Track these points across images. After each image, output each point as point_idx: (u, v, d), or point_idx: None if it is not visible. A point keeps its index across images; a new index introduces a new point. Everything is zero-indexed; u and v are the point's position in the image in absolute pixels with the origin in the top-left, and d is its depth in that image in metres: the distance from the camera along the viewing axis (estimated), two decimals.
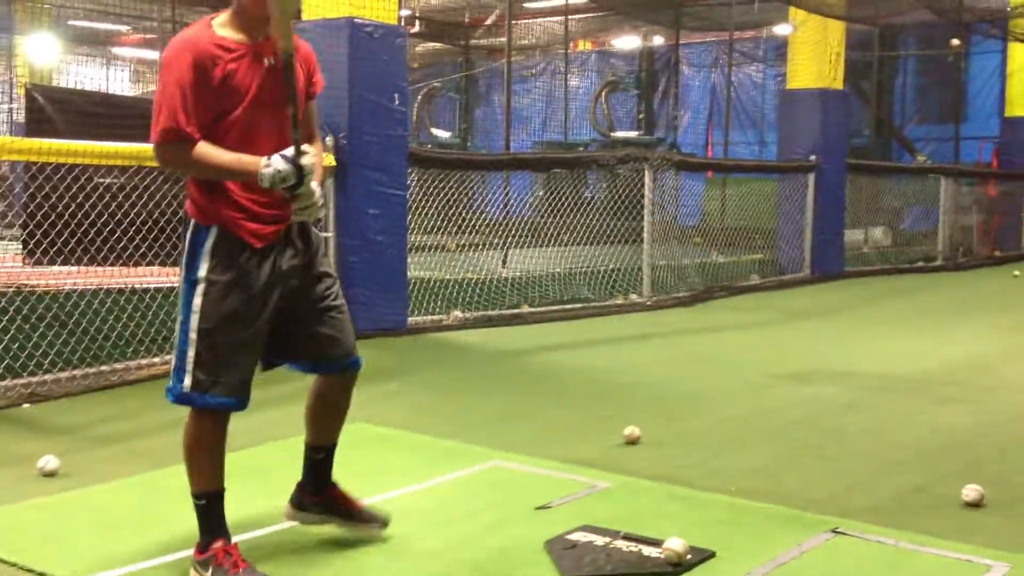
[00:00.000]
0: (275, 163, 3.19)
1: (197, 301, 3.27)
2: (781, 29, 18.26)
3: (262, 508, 3.98)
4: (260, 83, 3.28)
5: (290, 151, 3.23)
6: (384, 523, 3.73)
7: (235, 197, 3.28)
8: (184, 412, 3.43)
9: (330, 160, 7.49)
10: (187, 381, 3.28)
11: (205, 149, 3.20)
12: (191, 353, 3.28)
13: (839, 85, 13.69)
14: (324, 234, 7.31)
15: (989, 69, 20.23)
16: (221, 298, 3.26)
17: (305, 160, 3.22)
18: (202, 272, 3.27)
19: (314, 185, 3.26)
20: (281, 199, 3.31)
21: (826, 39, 13.40)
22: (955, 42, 17.93)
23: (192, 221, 3.33)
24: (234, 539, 3.38)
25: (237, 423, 5.45)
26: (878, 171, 16.30)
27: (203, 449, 3.35)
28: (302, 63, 3.46)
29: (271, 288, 3.33)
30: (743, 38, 21.99)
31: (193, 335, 3.27)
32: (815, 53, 13.44)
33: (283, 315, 3.41)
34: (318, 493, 3.71)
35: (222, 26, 3.30)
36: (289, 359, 3.60)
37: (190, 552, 3.45)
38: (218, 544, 3.29)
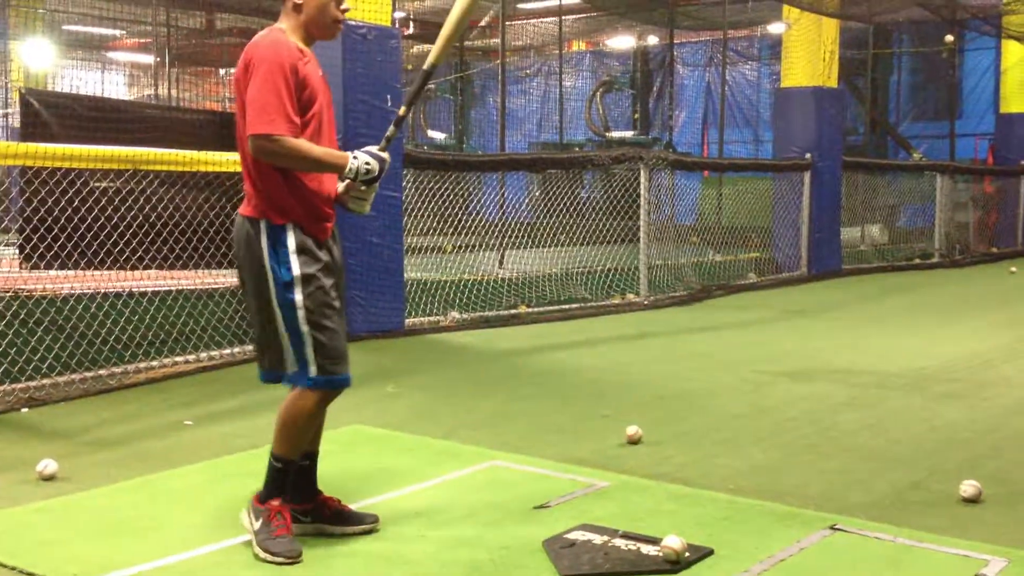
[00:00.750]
0: (361, 157, 3.53)
1: (299, 298, 3.50)
2: (775, 27, 18.28)
3: None
4: (323, 87, 3.62)
5: (376, 147, 3.59)
6: (374, 520, 3.81)
7: (307, 195, 3.55)
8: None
9: None
10: (312, 370, 3.53)
11: (301, 142, 3.46)
12: (309, 345, 3.50)
13: (834, 83, 13.72)
14: None
15: (983, 66, 20.28)
16: (318, 290, 3.52)
17: (387, 157, 3.59)
18: (296, 271, 3.50)
19: (377, 189, 3.63)
20: (332, 194, 3.65)
21: (820, 37, 13.42)
22: (949, 38, 17.95)
23: (263, 222, 3.52)
24: (233, 541, 3.41)
25: (238, 426, 5.47)
26: (874, 169, 16.33)
27: (308, 423, 3.59)
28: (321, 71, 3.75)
29: (339, 275, 3.66)
30: (737, 37, 22.02)
31: (305, 327, 3.50)
32: (809, 51, 13.46)
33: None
34: (308, 501, 3.75)
35: (291, 34, 3.58)
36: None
37: (191, 554, 3.46)
38: (276, 502, 3.53)
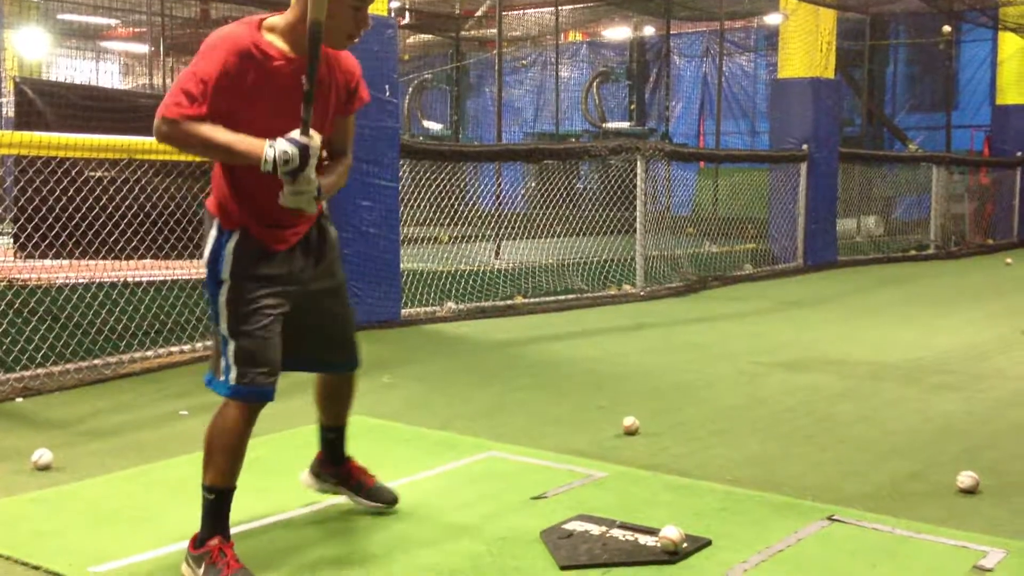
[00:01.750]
0: (279, 144, 3.10)
1: (222, 300, 3.30)
2: (772, 18, 18.28)
3: (257, 500, 3.97)
4: (287, 94, 3.21)
5: (296, 132, 3.12)
6: (391, 501, 3.88)
7: (258, 203, 3.29)
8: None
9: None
10: (232, 375, 3.27)
11: (203, 127, 3.13)
12: (231, 349, 3.28)
13: (830, 74, 13.70)
14: None
15: (980, 57, 20.28)
16: (245, 297, 3.28)
17: (311, 143, 3.12)
18: (224, 274, 3.30)
19: (314, 175, 3.16)
20: (293, 215, 3.30)
21: (817, 28, 13.40)
22: (946, 29, 17.93)
23: (215, 221, 3.35)
24: (232, 530, 3.37)
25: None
26: (870, 160, 16.33)
27: (234, 442, 3.33)
28: (343, 74, 3.46)
29: (289, 288, 3.38)
30: (734, 28, 22.00)
31: (225, 331, 3.30)
32: (806, 42, 13.44)
33: (295, 318, 3.46)
34: (334, 465, 3.88)
35: (270, 30, 3.26)
36: (296, 361, 3.59)
37: (185, 544, 3.44)
38: (214, 541, 3.26)
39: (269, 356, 3.29)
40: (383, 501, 3.89)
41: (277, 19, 3.30)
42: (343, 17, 3.25)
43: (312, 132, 3.16)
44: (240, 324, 3.27)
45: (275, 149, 3.09)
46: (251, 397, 3.29)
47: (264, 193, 3.24)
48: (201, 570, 3.23)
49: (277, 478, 4.28)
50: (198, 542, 3.29)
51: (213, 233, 3.35)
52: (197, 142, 3.15)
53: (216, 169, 3.39)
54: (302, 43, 3.19)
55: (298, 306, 3.44)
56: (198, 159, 6.80)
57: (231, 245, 3.31)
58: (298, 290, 3.42)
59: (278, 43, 3.25)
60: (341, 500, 3.98)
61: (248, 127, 3.17)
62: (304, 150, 3.10)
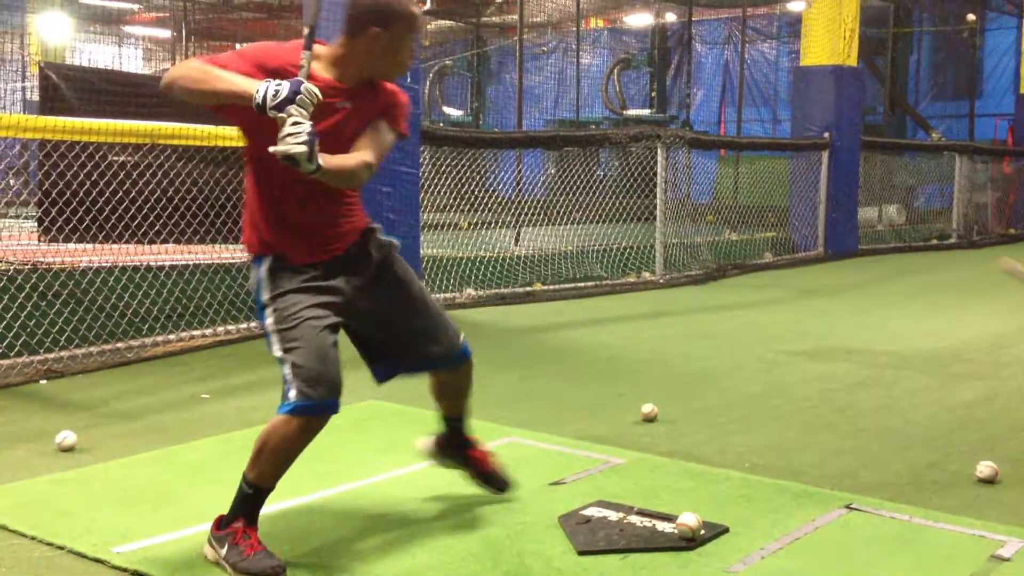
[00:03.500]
0: (271, 82, 3.06)
1: (269, 323, 3.34)
2: (795, 5, 18.15)
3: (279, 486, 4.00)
4: (324, 121, 3.21)
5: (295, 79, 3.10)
6: (503, 488, 3.92)
7: (289, 217, 3.35)
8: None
9: None
10: (292, 393, 3.24)
11: (200, 64, 3.16)
12: (287, 369, 3.28)
13: (853, 62, 13.62)
14: None
15: (1004, 45, 20.10)
16: (286, 314, 3.30)
17: (304, 83, 3.07)
18: (265, 296, 3.35)
19: (306, 119, 3.04)
20: (331, 222, 3.41)
21: (840, 15, 13.32)
22: (970, 17, 17.79)
23: (253, 257, 3.42)
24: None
25: (255, 400, 5.50)
26: (892, 148, 16.23)
27: (289, 451, 3.30)
28: (386, 101, 3.45)
29: (333, 299, 3.39)
30: (756, 15, 21.88)
31: (279, 353, 3.31)
32: (829, 29, 13.36)
33: (367, 328, 3.55)
34: (464, 448, 3.92)
35: (316, 57, 3.28)
36: (394, 367, 3.67)
37: (207, 526, 3.48)
38: (239, 524, 3.29)
39: (326, 369, 3.25)
40: (499, 489, 3.91)
41: (322, 48, 3.34)
42: (405, 51, 3.38)
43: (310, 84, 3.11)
44: (289, 341, 3.28)
45: (267, 84, 3.06)
46: (312, 411, 3.24)
47: (293, 205, 3.34)
48: (224, 550, 3.25)
49: (295, 462, 4.31)
50: (223, 523, 3.32)
51: (252, 267, 3.43)
52: (196, 71, 3.15)
53: (248, 194, 3.43)
54: (349, 76, 3.33)
55: (360, 314, 3.49)
56: (220, 144, 6.84)
57: (264, 268, 3.37)
58: (346, 299, 3.43)
59: (321, 71, 3.30)
60: (355, 486, 4.02)
61: (265, 152, 3.12)
62: (295, 85, 3.05)
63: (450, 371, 3.72)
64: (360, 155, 3.34)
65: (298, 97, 3.04)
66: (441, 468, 3.99)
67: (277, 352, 3.30)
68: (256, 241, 3.40)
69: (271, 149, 3.06)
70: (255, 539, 3.27)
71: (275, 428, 3.27)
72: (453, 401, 3.85)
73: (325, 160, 3.13)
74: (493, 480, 3.93)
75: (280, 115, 3.03)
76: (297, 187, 3.30)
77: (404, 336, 3.60)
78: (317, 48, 3.31)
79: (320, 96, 3.10)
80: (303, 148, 3.03)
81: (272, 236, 3.37)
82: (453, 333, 3.68)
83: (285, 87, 3.04)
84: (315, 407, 3.23)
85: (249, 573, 3.18)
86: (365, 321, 3.53)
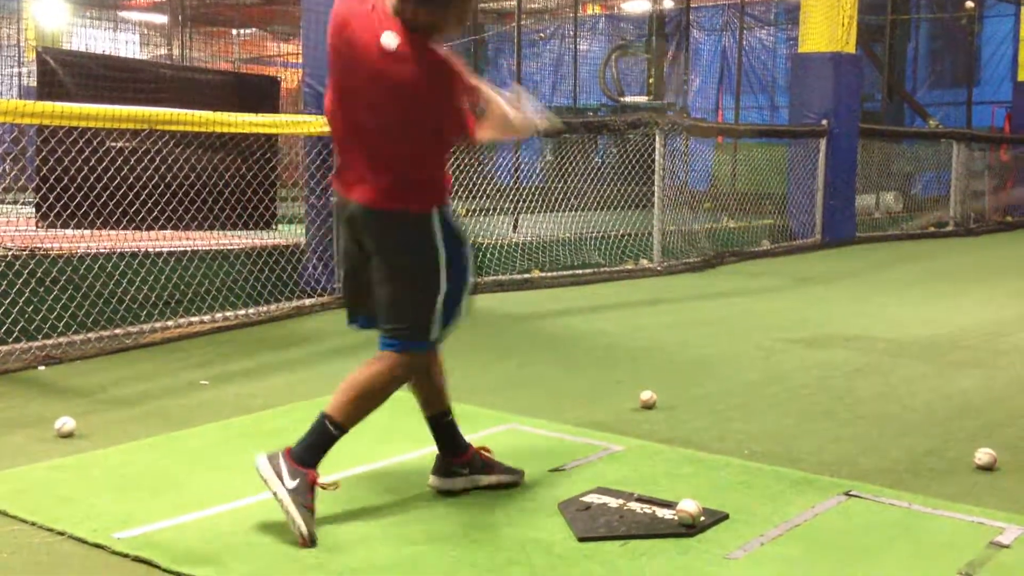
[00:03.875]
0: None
1: (443, 276, 3.52)
2: None
3: None
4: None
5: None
6: (521, 473, 3.94)
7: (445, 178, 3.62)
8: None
9: None
10: (435, 330, 3.57)
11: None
12: (437, 313, 3.53)
13: (851, 49, 13.60)
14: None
15: (1002, 33, 20.08)
16: (458, 263, 3.56)
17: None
18: (444, 252, 3.51)
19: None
20: None
21: (839, 2, 13.29)
22: (969, 5, 17.76)
23: (424, 214, 3.49)
24: (248, 500, 3.42)
25: (253, 386, 5.50)
26: (890, 136, 16.22)
27: (389, 392, 3.56)
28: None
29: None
30: (754, 1, 21.82)
31: (439, 300, 3.52)
32: (827, 16, 13.34)
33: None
34: (463, 454, 3.85)
35: None
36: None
37: (207, 512, 3.49)
38: (313, 473, 3.41)
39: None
40: (514, 474, 3.91)
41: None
42: (464, 13, 3.61)
43: None
44: (447, 281, 3.51)
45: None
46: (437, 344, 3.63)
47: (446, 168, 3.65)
48: (296, 482, 3.33)
49: None
50: (302, 460, 3.40)
51: (428, 226, 3.49)
52: (496, 125, 3.62)
53: (422, 155, 3.52)
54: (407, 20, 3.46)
55: None
56: (218, 130, 6.84)
57: (439, 222, 3.51)
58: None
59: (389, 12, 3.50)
60: (354, 472, 4.02)
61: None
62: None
63: None
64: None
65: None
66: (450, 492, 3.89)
67: (437, 287, 3.51)
68: (439, 195, 3.56)
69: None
70: (314, 496, 3.39)
71: (382, 375, 3.51)
72: (434, 381, 3.82)
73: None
74: (510, 468, 3.92)
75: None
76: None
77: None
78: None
79: None
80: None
81: (446, 182, 3.62)
82: None
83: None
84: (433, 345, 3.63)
85: (301, 523, 3.29)
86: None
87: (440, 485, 3.84)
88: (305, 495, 3.35)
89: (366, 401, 3.55)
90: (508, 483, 3.89)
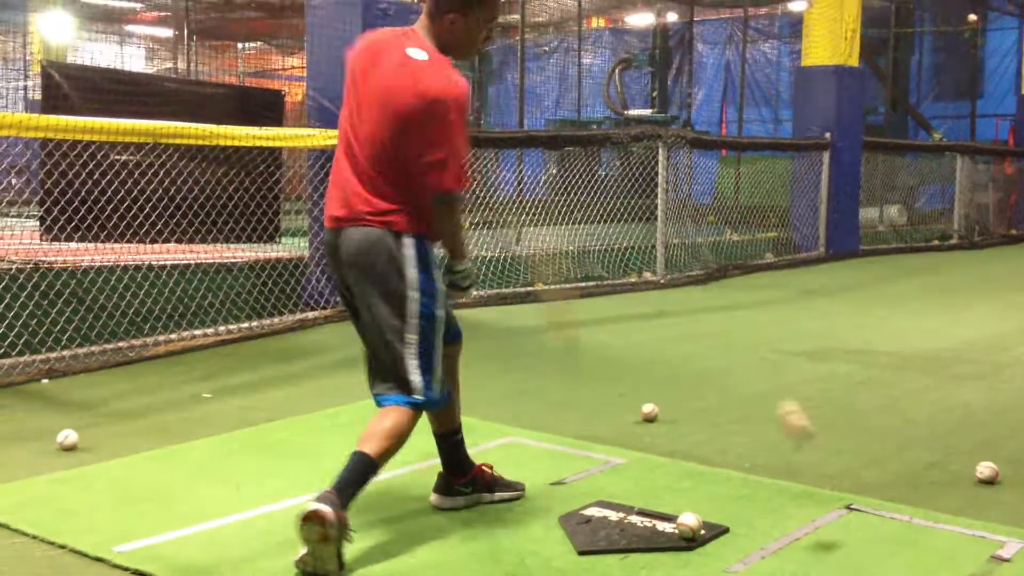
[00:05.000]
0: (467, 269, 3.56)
1: (440, 313, 3.46)
2: (796, 5, 18.16)
3: (279, 481, 4.01)
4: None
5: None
6: (522, 487, 3.95)
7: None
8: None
9: None
10: (436, 388, 3.46)
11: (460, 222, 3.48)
12: (436, 359, 3.43)
13: (855, 62, 13.62)
14: None
15: (1006, 46, 20.10)
16: (434, 307, 3.46)
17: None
18: (423, 278, 3.41)
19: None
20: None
21: (842, 15, 13.32)
22: (972, 18, 17.78)
23: (411, 235, 3.40)
24: (250, 513, 3.41)
25: (256, 399, 5.51)
26: (893, 149, 16.22)
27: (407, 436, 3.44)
28: None
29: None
30: (758, 15, 21.87)
31: (438, 341, 3.46)
32: (831, 30, 13.36)
33: None
34: (466, 473, 3.84)
35: (405, 35, 3.50)
36: None
37: (208, 525, 3.49)
38: (345, 514, 3.21)
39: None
40: (516, 489, 3.93)
41: (434, 47, 3.46)
42: (480, 36, 3.53)
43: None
44: (430, 334, 3.43)
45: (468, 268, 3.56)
46: (439, 405, 3.54)
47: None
48: (336, 530, 3.12)
49: (296, 461, 4.33)
50: (343, 504, 3.20)
51: (413, 250, 3.40)
52: (457, 221, 3.46)
53: (400, 183, 3.41)
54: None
55: None
56: (222, 143, 6.86)
57: (434, 256, 3.47)
58: None
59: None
60: None
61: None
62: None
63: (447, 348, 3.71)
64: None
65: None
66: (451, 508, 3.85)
67: (436, 342, 3.44)
68: (418, 221, 3.42)
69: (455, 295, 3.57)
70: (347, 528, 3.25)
71: (403, 425, 3.39)
72: (444, 409, 3.76)
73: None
74: (512, 483, 3.93)
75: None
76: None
77: None
78: (436, 49, 3.45)
79: None
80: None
81: (428, 219, 3.44)
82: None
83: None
84: (445, 397, 3.53)
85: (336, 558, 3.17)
86: None
87: (441, 504, 3.83)
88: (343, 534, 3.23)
89: None
90: (510, 499, 3.89)
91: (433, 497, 3.85)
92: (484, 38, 3.56)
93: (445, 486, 3.84)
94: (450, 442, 3.83)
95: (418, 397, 3.41)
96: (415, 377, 3.40)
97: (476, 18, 3.47)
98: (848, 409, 5.50)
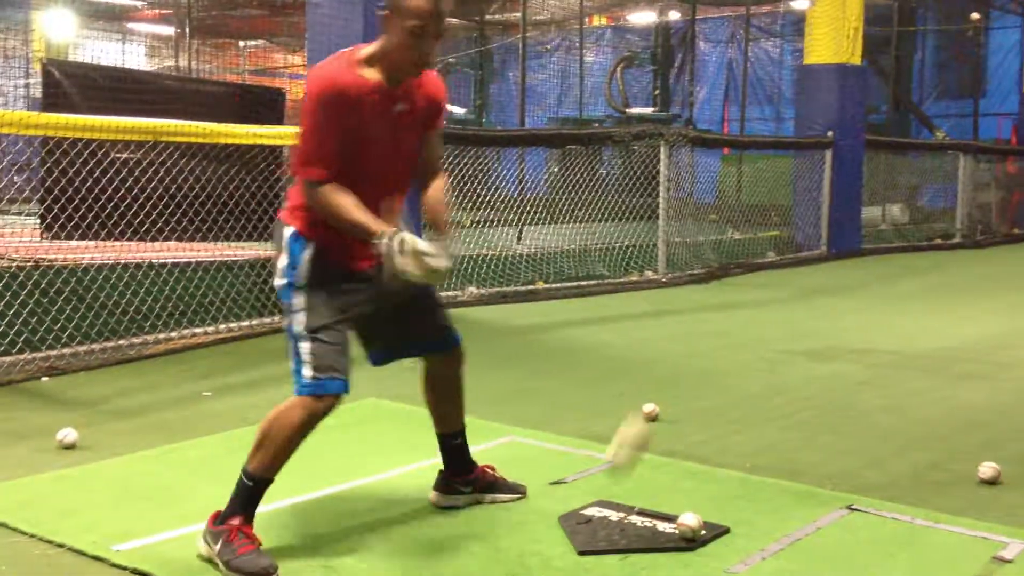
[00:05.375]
0: (393, 239, 3.14)
1: (297, 302, 3.36)
2: (799, 3, 18.13)
3: (277, 481, 4.00)
4: (386, 127, 3.34)
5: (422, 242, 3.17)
6: (524, 488, 3.92)
7: (344, 234, 3.34)
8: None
9: None
10: (307, 372, 3.31)
11: (339, 198, 3.26)
12: (305, 349, 3.33)
13: (857, 60, 13.60)
14: None
15: (1009, 44, 20.08)
16: (320, 307, 3.35)
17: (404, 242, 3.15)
18: (301, 280, 3.36)
19: (420, 245, 3.15)
20: None
21: (844, 13, 13.30)
22: (975, 16, 17.75)
23: (291, 229, 3.39)
24: (256, 509, 3.39)
25: (257, 398, 5.50)
26: (896, 147, 16.21)
27: (296, 438, 3.35)
28: (424, 96, 3.47)
29: (363, 300, 3.44)
30: (760, 13, 21.84)
31: (300, 332, 3.35)
32: (833, 28, 13.34)
33: (373, 318, 3.51)
34: (467, 473, 3.84)
35: (362, 64, 3.33)
36: (393, 351, 3.71)
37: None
38: (236, 520, 3.28)
39: (342, 362, 3.34)
40: (517, 492, 3.91)
41: (364, 53, 3.35)
42: (406, 46, 3.27)
43: (398, 236, 3.16)
44: (314, 327, 3.32)
45: (388, 247, 3.15)
46: (328, 389, 3.29)
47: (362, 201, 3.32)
48: (217, 547, 3.24)
49: (296, 459, 4.30)
50: (219, 519, 3.31)
51: (288, 239, 3.39)
52: (328, 208, 3.27)
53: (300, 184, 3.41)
54: (390, 76, 3.31)
55: (374, 311, 3.49)
56: (223, 141, 6.86)
57: (308, 254, 3.37)
58: (369, 302, 3.46)
59: (373, 75, 3.33)
60: (353, 485, 4.01)
61: (356, 164, 3.31)
62: (403, 235, 3.15)
63: (444, 355, 3.71)
64: (443, 178, 3.66)
65: (396, 262, 3.13)
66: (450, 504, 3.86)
67: (299, 330, 3.34)
68: (307, 226, 3.38)
69: (411, 277, 3.15)
70: (249, 537, 3.26)
71: (281, 414, 3.33)
72: (447, 404, 3.78)
73: (440, 209, 3.53)
74: (513, 486, 3.92)
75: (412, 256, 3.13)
76: (369, 198, 3.33)
77: (407, 321, 3.63)
78: (363, 51, 3.36)
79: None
80: (450, 264, 3.21)
81: (327, 231, 3.35)
82: (447, 316, 3.76)
83: (407, 243, 3.12)
84: (329, 384, 3.28)
85: (241, 572, 3.17)
86: (375, 314, 3.52)
87: (441, 502, 3.83)
88: (231, 551, 3.22)
89: None
90: (511, 500, 3.88)
91: (432, 495, 3.85)
92: (419, 50, 3.25)
93: (445, 484, 3.84)
94: (453, 444, 3.83)
95: (295, 386, 3.37)
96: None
97: (396, 21, 3.25)
98: (850, 409, 5.49)
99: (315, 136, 3.28)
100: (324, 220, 3.34)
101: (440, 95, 3.57)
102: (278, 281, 3.43)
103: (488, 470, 3.90)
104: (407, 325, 3.64)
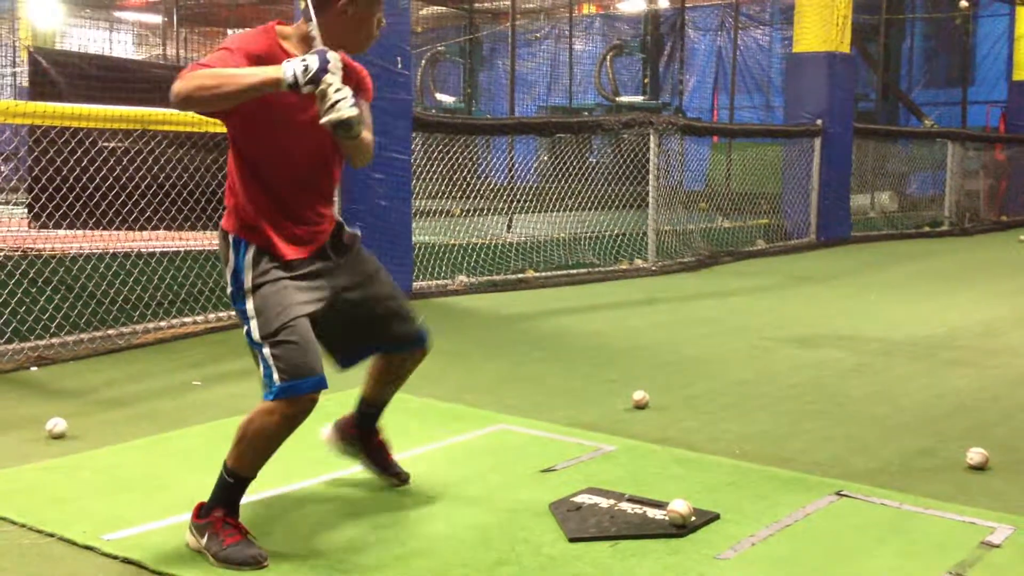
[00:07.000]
0: (294, 60, 3.03)
1: (250, 307, 3.29)
2: None
3: (265, 470, 4.00)
4: (302, 100, 3.19)
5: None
6: (404, 479, 3.92)
7: (278, 200, 3.32)
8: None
9: None
10: (275, 376, 3.22)
11: (215, 68, 3.07)
12: (267, 353, 3.25)
13: (846, 48, 13.61)
14: None
15: (997, 32, 20.13)
16: (271, 304, 3.27)
17: (328, 51, 3.05)
18: (248, 283, 3.30)
19: (340, 82, 3.04)
20: (315, 221, 3.39)
21: (833, 2, 13.31)
22: (963, 4, 17.77)
23: (230, 237, 3.35)
24: (243, 500, 3.39)
25: (246, 387, 5.49)
26: (885, 135, 16.24)
27: (275, 441, 3.30)
28: (355, 77, 3.45)
29: (316, 289, 3.38)
30: (749, 1, 21.84)
31: (258, 338, 3.27)
32: (822, 16, 13.35)
33: (337, 317, 3.47)
34: (366, 435, 3.89)
35: (284, 38, 3.34)
36: (360, 352, 3.69)
37: None
38: (219, 513, 3.27)
39: (310, 359, 3.25)
40: (396, 476, 3.91)
41: (287, 29, 3.37)
42: (368, 28, 3.37)
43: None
44: (273, 329, 3.24)
45: (291, 63, 3.03)
46: (299, 390, 3.20)
47: (284, 187, 3.31)
48: (204, 540, 3.25)
49: (285, 448, 4.30)
50: (203, 512, 3.30)
51: (230, 246, 3.35)
52: (208, 78, 3.04)
53: (232, 179, 3.39)
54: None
55: (334, 304, 3.44)
56: (212, 130, 6.82)
57: (249, 257, 3.32)
58: (325, 291, 3.41)
59: (292, 48, 3.31)
60: (347, 473, 4.01)
61: (272, 133, 3.27)
62: (322, 54, 3.03)
63: (408, 353, 3.73)
64: (369, 134, 3.47)
65: (329, 64, 3.03)
66: (433, 458, 3.95)
67: (257, 337, 3.26)
68: (241, 227, 3.35)
69: (323, 120, 3.02)
70: (235, 526, 3.26)
71: (257, 415, 3.26)
72: (387, 387, 3.81)
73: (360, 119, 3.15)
74: (396, 471, 3.92)
75: (320, 87, 3.01)
76: (293, 181, 3.33)
77: (374, 321, 3.60)
78: (285, 29, 3.36)
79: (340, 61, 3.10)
80: (356, 111, 3.05)
81: (261, 225, 3.32)
82: (415, 315, 3.74)
83: (313, 60, 3.01)
84: (301, 386, 3.20)
85: (230, 562, 3.17)
86: (337, 311, 3.47)
87: (331, 439, 3.92)
88: (218, 542, 3.22)
89: None
90: (373, 473, 3.92)
91: (327, 429, 3.92)
92: (378, 25, 3.38)
93: (343, 429, 3.90)
94: (367, 410, 3.87)
95: (265, 391, 3.30)
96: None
97: (365, 2, 3.33)
98: (838, 395, 5.51)
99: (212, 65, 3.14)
100: (257, 216, 3.30)
101: (366, 78, 3.56)
102: (229, 290, 3.39)
103: (385, 446, 3.92)
104: (372, 328, 3.61)
